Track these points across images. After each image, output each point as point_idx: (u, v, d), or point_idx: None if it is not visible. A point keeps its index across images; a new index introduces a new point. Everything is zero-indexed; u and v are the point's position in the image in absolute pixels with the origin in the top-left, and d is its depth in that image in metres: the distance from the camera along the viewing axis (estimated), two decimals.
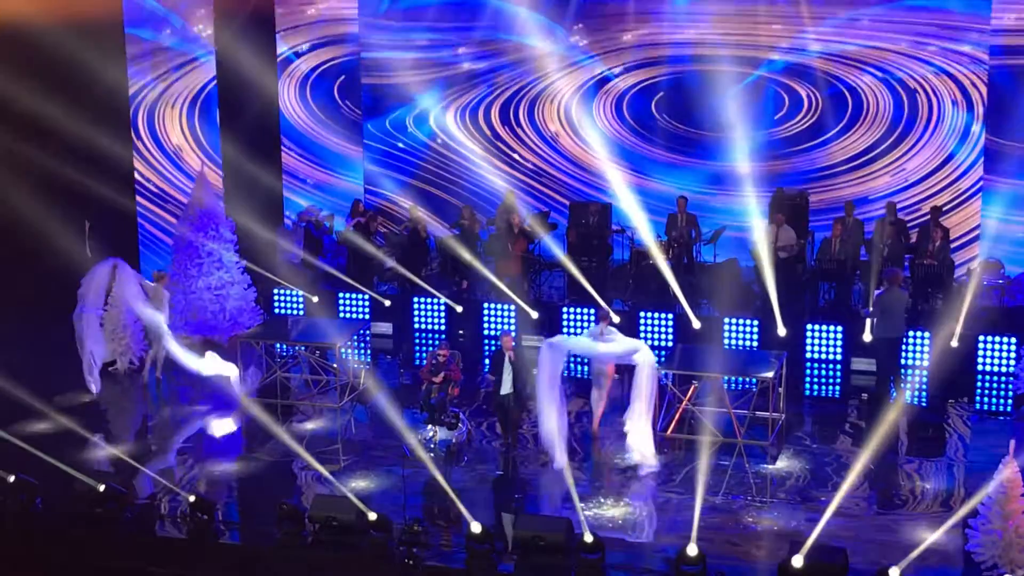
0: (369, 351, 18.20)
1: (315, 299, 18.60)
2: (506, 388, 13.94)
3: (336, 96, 22.57)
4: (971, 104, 19.65)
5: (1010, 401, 16.02)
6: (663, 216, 19.79)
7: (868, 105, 20.28)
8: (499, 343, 14.30)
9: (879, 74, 20.12)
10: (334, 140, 22.70)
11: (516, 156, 21.92)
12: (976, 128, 19.60)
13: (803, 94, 20.50)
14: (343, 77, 22.50)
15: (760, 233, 18.30)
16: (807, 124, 20.58)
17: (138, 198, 20.71)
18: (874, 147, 20.30)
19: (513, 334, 15.56)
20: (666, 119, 21.16)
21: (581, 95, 21.48)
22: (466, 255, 18.77)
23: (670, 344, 17.72)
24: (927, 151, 20.08)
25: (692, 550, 11.04)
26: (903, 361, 16.25)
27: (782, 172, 20.55)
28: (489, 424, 15.10)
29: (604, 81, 21.39)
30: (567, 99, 21.63)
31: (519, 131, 21.97)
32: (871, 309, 15.70)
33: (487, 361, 16.25)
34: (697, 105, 20.47)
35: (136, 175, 20.63)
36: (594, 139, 21.34)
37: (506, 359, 13.96)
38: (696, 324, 17.18)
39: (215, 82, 20.99)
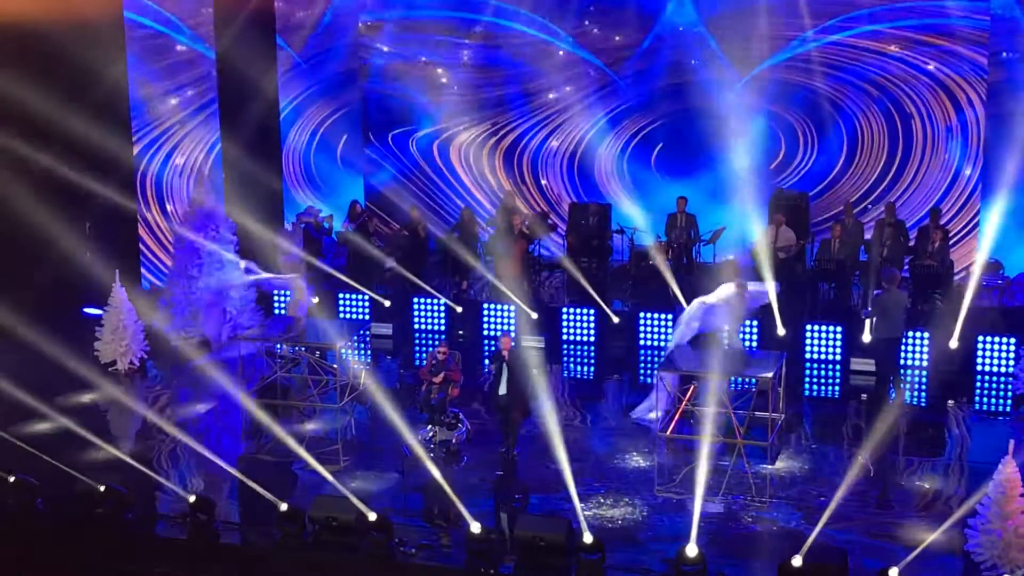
0: (369, 352, 18.22)
1: (315, 300, 18.61)
2: (503, 389, 13.93)
3: (338, 160, 22.69)
4: (966, 127, 19.70)
5: (1009, 401, 16.04)
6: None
7: (864, 138, 20.31)
8: (498, 344, 14.30)
9: (875, 92, 20.11)
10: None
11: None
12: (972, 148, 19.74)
13: (798, 129, 20.52)
14: (345, 136, 22.56)
15: (759, 234, 18.33)
16: (805, 168, 20.61)
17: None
18: (873, 188, 20.34)
19: (512, 335, 15.54)
20: (665, 176, 21.23)
21: (584, 148, 21.58)
22: (466, 256, 18.80)
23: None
24: (924, 187, 20.12)
25: (692, 550, 11.06)
26: (903, 361, 16.28)
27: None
28: (489, 425, 15.14)
29: (610, 125, 21.41)
30: (569, 152, 21.68)
31: (521, 186, 22.05)
32: (870, 310, 15.72)
33: (486, 361, 16.30)
34: (696, 151, 20.44)
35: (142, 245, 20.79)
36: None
37: (504, 360, 13.96)
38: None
39: (213, 85, 20.99)
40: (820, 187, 20.65)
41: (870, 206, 20.34)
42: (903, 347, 16.18)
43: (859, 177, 20.49)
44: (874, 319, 15.49)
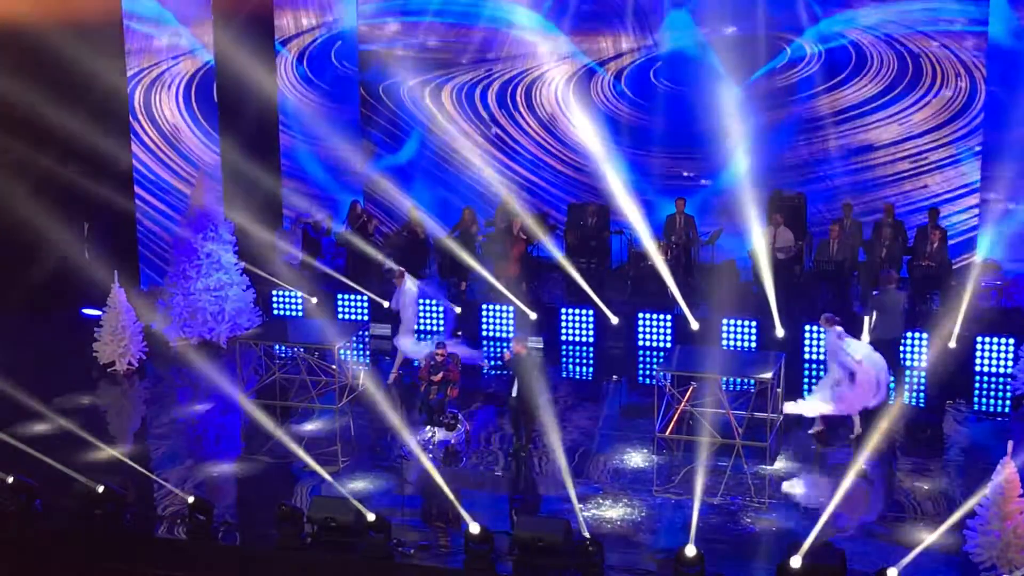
0: (368, 352, 18.22)
1: (314, 300, 18.61)
2: (515, 392, 13.92)
3: (333, 59, 22.51)
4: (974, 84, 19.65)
5: (1008, 402, 16.04)
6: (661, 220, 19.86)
7: (872, 59, 20.12)
8: (511, 347, 14.27)
9: (881, 35, 20.06)
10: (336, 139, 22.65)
11: (513, 144, 21.85)
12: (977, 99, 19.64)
13: (807, 49, 20.37)
14: (339, 43, 22.46)
15: (758, 234, 18.33)
16: (812, 70, 20.42)
17: (137, 189, 20.66)
18: (877, 98, 20.20)
19: (529, 341, 15.39)
20: (665, 83, 20.99)
21: (578, 79, 21.44)
22: (465, 256, 18.80)
23: (668, 345, 17.75)
24: (929, 109, 20.00)
25: (690, 551, 11.06)
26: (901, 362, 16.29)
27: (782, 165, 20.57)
28: (490, 425, 15.17)
29: (602, 79, 21.40)
30: (563, 83, 21.55)
31: (516, 116, 21.88)
32: (868, 310, 15.70)
33: (488, 361, 16.33)
34: (696, 75, 20.35)
35: (135, 166, 20.58)
36: (591, 131, 21.27)
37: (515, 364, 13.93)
38: (694, 325, 17.21)
39: (210, 65, 20.95)
40: (826, 85, 20.37)
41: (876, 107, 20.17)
42: (902, 347, 16.17)
43: (866, 86, 20.31)
44: (873, 319, 15.48)
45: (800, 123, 20.41)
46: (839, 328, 14.31)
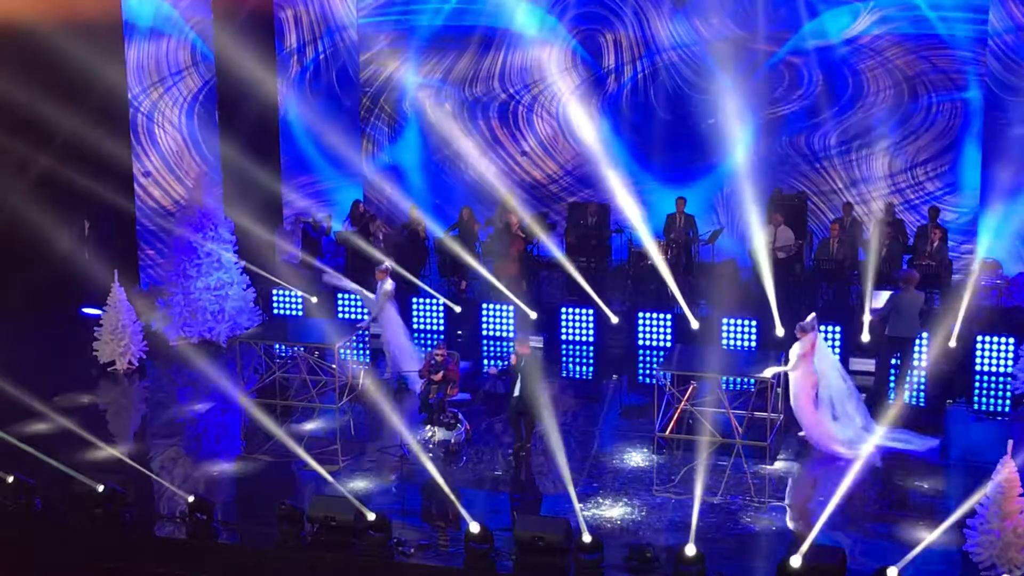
0: (368, 351, 18.21)
1: (314, 299, 18.61)
2: (516, 392, 13.91)
3: (333, 65, 22.53)
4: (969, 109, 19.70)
5: (1008, 401, 16.03)
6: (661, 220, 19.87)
7: (868, 87, 20.19)
8: (514, 347, 14.25)
9: (879, 57, 20.11)
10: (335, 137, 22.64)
11: (513, 162, 21.92)
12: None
13: (804, 71, 20.39)
14: (341, 44, 22.47)
15: (758, 234, 18.33)
16: (807, 101, 20.49)
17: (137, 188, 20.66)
18: (873, 127, 20.24)
19: (531, 340, 15.36)
20: (663, 105, 21.02)
21: (578, 94, 21.43)
22: (465, 255, 18.80)
23: (668, 344, 17.74)
24: (926, 138, 20.05)
25: (690, 550, 11.07)
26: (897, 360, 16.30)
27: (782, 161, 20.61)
28: (489, 424, 15.17)
29: (602, 80, 21.41)
30: (565, 99, 21.57)
31: (518, 135, 21.93)
32: (883, 308, 15.60)
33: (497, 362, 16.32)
34: (696, 86, 20.47)
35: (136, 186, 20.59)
36: (591, 141, 21.27)
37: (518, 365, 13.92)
38: (694, 324, 17.21)
39: (212, 85, 20.95)
40: (828, 114, 20.46)
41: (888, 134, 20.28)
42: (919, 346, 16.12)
43: (867, 111, 20.34)
44: (888, 318, 15.40)
45: (798, 123, 20.52)
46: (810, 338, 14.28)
